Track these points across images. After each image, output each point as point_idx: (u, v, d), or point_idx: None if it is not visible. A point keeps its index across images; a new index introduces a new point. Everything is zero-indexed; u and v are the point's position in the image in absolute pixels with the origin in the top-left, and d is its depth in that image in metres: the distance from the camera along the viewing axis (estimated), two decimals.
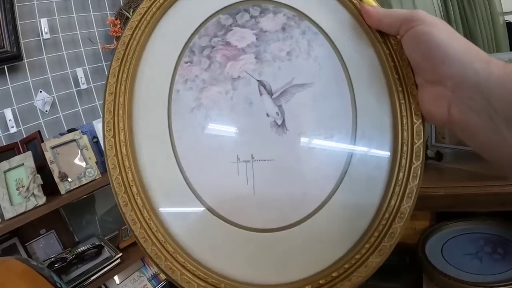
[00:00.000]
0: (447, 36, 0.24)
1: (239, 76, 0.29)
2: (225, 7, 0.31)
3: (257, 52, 0.29)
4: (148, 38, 0.31)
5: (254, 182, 0.28)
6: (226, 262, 0.26)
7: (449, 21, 1.33)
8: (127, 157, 0.28)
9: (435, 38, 0.23)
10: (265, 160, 0.28)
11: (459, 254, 0.55)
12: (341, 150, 0.27)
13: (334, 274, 0.25)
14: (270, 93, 0.29)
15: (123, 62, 0.30)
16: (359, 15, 0.28)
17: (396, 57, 0.27)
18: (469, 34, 1.33)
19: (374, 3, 0.28)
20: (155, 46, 0.31)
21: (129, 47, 0.30)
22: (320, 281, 0.25)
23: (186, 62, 0.30)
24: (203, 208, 0.28)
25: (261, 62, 0.29)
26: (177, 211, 0.28)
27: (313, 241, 0.26)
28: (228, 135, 0.29)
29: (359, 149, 0.27)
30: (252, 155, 0.28)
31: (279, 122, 0.28)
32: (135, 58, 0.30)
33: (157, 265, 0.26)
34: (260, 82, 0.29)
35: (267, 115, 0.29)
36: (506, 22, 1.37)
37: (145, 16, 0.30)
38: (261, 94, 0.29)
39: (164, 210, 0.27)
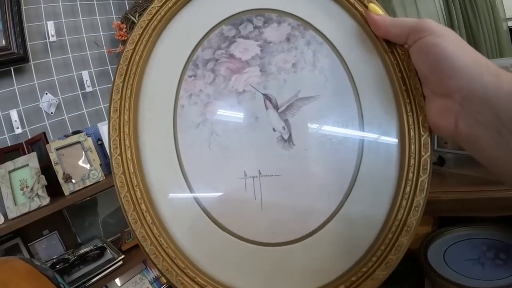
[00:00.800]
0: (456, 48, 0.23)
1: (244, 90, 0.29)
2: (227, 18, 0.30)
3: (262, 65, 0.29)
4: (150, 52, 0.30)
5: (261, 198, 0.27)
6: (235, 275, 0.26)
7: (452, 27, 1.32)
8: (134, 174, 0.27)
9: (444, 50, 0.23)
10: (272, 175, 0.27)
11: (461, 260, 0.54)
12: (347, 164, 0.27)
13: (341, 287, 0.24)
14: (276, 107, 0.28)
15: (126, 78, 0.29)
16: (365, 24, 0.27)
17: (404, 67, 0.26)
18: (472, 39, 1.32)
19: (381, 12, 0.27)
20: (158, 60, 0.30)
21: (131, 62, 0.29)
22: None
23: (190, 76, 0.29)
24: (211, 223, 0.27)
25: (266, 74, 0.29)
26: (186, 227, 0.28)
27: (321, 254, 0.26)
28: (234, 150, 0.28)
29: (366, 162, 0.27)
30: (259, 170, 0.28)
31: (286, 137, 0.28)
32: (138, 73, 0.29)
33: (169, 280, 0.26)
34: (266, 96, 0.28)
35: (274, 129, 0.28)
36: (510, 28, 1.36)
37: (147, 29, 0.30)
38: (267, 108, 0.28)
39: (173, 226, 0.27)
